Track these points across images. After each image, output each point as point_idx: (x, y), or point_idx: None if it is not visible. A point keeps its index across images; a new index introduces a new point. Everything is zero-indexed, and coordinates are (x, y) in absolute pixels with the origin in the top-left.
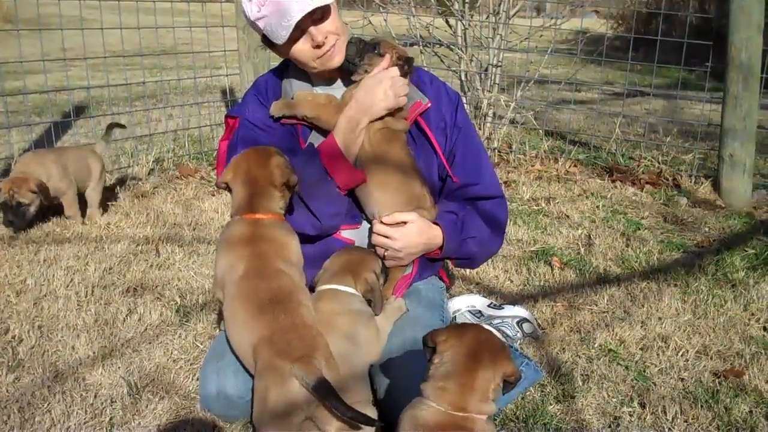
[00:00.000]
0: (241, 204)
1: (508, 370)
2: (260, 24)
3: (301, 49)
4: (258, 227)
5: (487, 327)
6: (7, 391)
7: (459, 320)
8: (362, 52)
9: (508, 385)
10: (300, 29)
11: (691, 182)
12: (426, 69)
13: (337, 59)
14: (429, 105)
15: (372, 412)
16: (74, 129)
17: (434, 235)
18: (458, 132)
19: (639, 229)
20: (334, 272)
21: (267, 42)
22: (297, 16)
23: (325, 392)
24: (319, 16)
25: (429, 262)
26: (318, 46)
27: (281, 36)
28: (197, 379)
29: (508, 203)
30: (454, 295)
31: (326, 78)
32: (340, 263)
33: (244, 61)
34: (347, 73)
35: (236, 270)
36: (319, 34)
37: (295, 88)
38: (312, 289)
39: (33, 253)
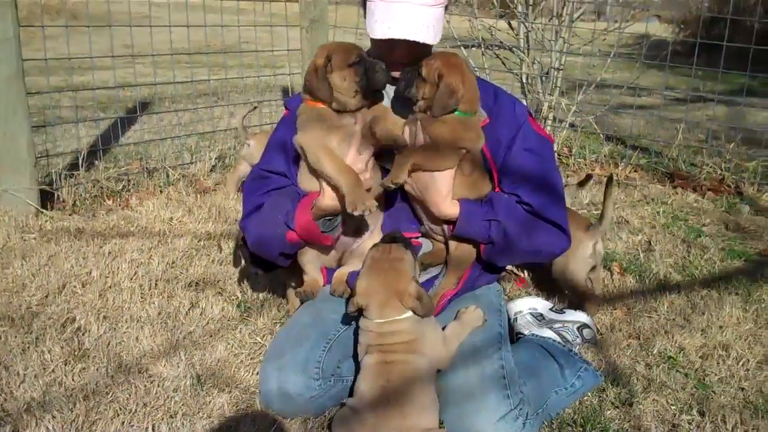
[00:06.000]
0: None
1: None
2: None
3: (377, 47)
4: None
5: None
6: (73, 379)
7: (520, 322)
8: (409, 81)
9: None
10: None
11: (753, 190)
12: (500, 86)
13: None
14: (486, 121)
15: (434, 417)
16: (138, 125)
17: (449, 205)
18: (520, 152)
19: (700, 236)
20: (381, 302)
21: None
22: (397, 34)
23: None
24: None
25: (486, 270)
26: (390, 63)
27: (374, 32)
28: (257, 374)
29: (566, 243)
30: (515, 297)
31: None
32: (381, 287)
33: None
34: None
35: None
36: (398, 56)
37: None
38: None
39: (98, 246)
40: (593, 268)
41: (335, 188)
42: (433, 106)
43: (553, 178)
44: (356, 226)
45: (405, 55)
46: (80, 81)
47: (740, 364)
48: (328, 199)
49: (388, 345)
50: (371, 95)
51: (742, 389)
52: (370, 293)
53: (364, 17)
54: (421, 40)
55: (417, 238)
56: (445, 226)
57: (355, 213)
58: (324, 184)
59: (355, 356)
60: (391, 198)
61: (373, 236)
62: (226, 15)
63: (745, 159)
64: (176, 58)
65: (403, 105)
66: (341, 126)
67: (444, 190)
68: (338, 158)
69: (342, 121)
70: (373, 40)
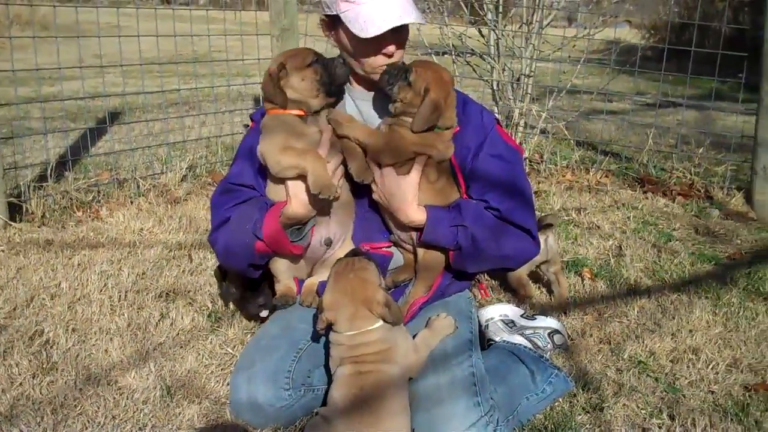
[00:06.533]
0: None
1: None
2: (343, 7)
3: (366, 51)
4: None
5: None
6: (41, 392)
7: (491, 329)
8: (395, 79)
9: None
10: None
11: (723, 194)
12: (464, 92)
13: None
14: (456, 129)
15: (406, 425)
16: (109, 135)
17: (415, 211)
18: (487, 158)
19: (670, 241)
20: (350, 313)
21: (327, 24)
22: (395, 22)
23: None
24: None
25: (456, 278)
26: (389, 56)
27: (367, 31)
28: (228, 385)
29: (535, 248)
30: (486, 303)
31: (367, 84)
32: (348, 299)
33: None
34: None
35: None
36: (386, 47)
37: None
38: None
39: (67, 257)
40: (545, 262)
41: (301, 176)
42: (415, 119)
43: (522, 184)
44: (323, 206)
45: (392, 42)
46: (49, 92)
47: (710, 367)
48: (296, 207)
49: (361, 356)
50: (335, 91)
51: (712, 392)
52: (338, 306)
53: (331, 37)
54: (417, 21)
55: (388, 247)
56: (413, 233)
57: (321, 196)
58: (290, 191)
59: (326, 366)
60: (361, 208)
61: (343, 246)
62: (196, 24)
63: (714, 163)
64: (146, 68)
65: (382, 107)
66: (306, 133)
67: (409, 195)
68: (299, 147)
69: (307, 129)
70: (357, 45)
